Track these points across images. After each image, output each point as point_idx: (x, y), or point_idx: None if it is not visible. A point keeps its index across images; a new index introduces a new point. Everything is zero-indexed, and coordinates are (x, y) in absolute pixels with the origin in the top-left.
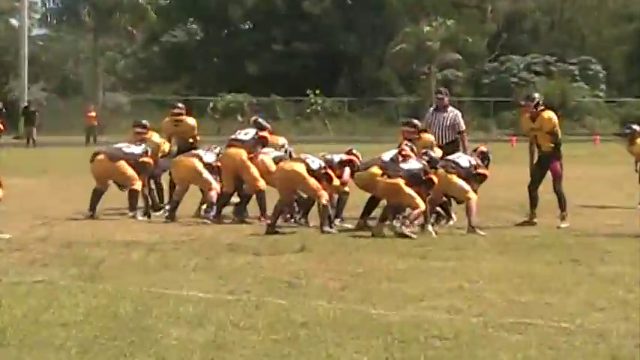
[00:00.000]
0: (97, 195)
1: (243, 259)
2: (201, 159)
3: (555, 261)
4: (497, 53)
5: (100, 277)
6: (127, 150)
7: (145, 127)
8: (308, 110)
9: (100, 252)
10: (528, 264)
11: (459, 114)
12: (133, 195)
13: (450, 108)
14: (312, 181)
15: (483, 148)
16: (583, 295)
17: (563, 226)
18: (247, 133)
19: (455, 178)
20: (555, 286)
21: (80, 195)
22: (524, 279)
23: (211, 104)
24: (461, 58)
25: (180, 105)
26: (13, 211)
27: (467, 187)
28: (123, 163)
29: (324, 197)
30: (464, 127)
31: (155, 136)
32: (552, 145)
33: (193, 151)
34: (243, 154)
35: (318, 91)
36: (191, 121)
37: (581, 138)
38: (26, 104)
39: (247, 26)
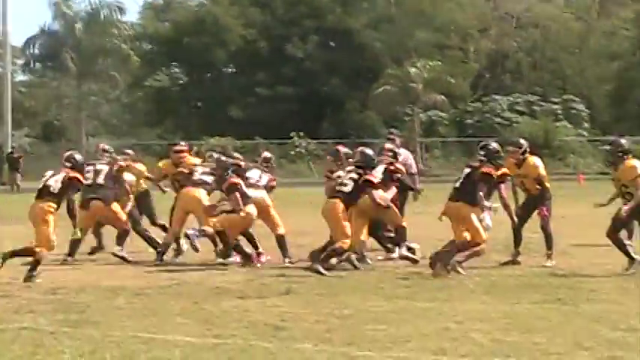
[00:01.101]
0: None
1: (229, 303)
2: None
3: (541, 300)
4: (481, 93)
5: (86, 322)
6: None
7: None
8: (292, 153)
9: (86, 297)
10: (514, 304)
11: (411, 155)
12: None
13: (402, 150)
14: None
15: None
16: (569, 334)
17: (548, 264)
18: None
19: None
20: (541, 326)
21: (65, 240)
22: (510, 319)
23: (195, 148)
24: (444, 99)
25: (182, 143)
26: None
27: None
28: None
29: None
30: (415, 170)
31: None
32: (539, 188)
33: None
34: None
35: (302, 134)
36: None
37: (565, 177)
38: (10, 150)
39: (231, 70)
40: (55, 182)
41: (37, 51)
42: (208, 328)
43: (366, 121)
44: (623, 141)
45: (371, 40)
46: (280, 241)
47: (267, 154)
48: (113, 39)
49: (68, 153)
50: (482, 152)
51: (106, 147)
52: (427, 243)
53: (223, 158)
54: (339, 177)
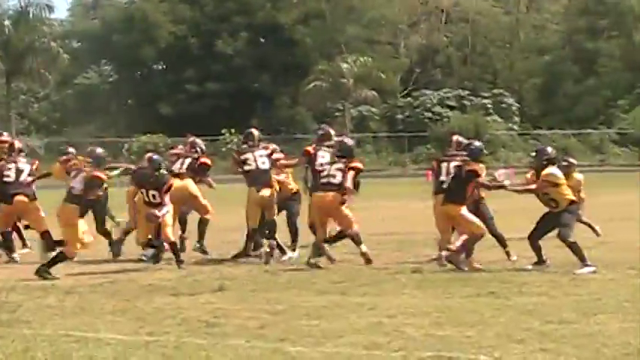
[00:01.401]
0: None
1: (161, 300)
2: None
3: (473, 294)
4: (411, 88)
5: (17, 321)
6: None
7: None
8: (223, 149)
9: (17, 296)
10: (446, 298)
11: None
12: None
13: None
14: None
15: None
16: (501, 327)
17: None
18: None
19: None
20: (473, 319)
21: None
22: (442, 313)
23: (126, 145)
24: (375, 94)
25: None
26: None
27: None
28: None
29: None
30: None
31: None
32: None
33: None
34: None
35: (233, 130)
36: None
37: (496, 171)
38: None
39: (160, 67)
40: (77, 184)
41: None
42: (141, 326)
43: (296, 117)
44: (549, 149)
45: (301, 35)
46: (201, 225)
47: (193, 138)
48: (42, 37)
49: (90, 149)
50: (466, 151)
51: (21, 146)
52: (366, 239)
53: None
54: (321, 170)
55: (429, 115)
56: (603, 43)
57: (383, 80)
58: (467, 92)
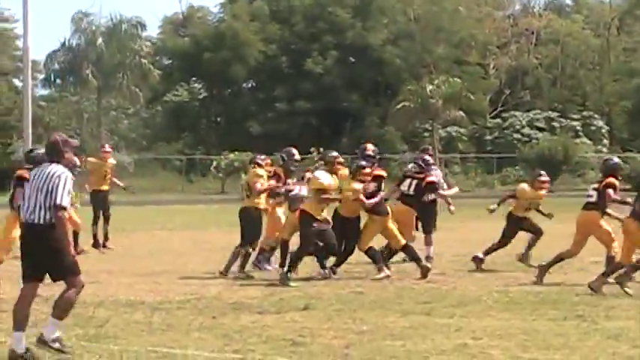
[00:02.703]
0: None
1: (247, 318)
2: None
3: (560, 317)
4: (500, 109)
5: (104, 337)
6: None
7: None
8: (312, 168)
9: (104, 312)
10: (533, 320)
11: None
12: None
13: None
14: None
15: None
16: (587, 351)
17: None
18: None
19: None
20: (560, 343)
21: (85, 255)
22: (528, 336)
23: (214, 163)
24: (463, 115)
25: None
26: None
27: None
28: None
29: None
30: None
31: None
32: None
33: None
34: None
35: (322, 149)
36: None
37: (584, 193)
38: (29, 166)
39: (250, 85)
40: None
41: (57, 66)
42: (227, 343)
43: (385, 137)
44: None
45: (390, 55)
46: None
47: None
48: (133, 54)
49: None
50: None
51: None
52: (452, 260)
53: None
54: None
55: (518, 136)
56: None
57: (472, 101)
58: (556, 114)
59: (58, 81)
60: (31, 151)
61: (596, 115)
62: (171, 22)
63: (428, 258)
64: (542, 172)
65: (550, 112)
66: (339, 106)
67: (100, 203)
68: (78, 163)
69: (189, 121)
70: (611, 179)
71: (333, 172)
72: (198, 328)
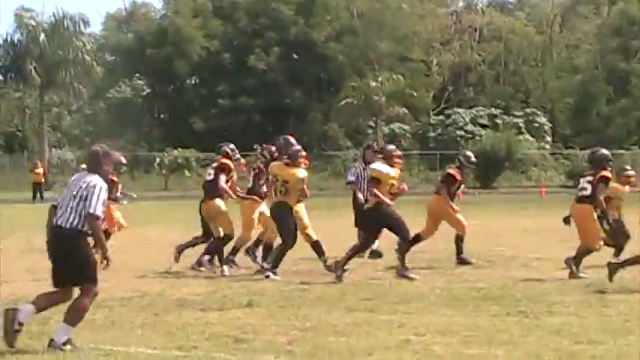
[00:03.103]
0: None
1: (190, 315)
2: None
3: (502, 313)
4: (443, 106)
5: (47, 334)
6: None
7: None
8: (255, 164)
9: (46, 310)
10: (475, 316)
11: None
12: None
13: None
14: None
15: None
16: (530, 347)
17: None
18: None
19: None
20: (502, 339)
21: (26, 252)
22: (471, 331)
23: (158, 160)
24: (407, 111)
25: None
26: None
27: None
28: None
29: None
30: None
31: None
32: None
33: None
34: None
35: (264, 145)
36: None
37: (527, 190)
38: None
39: (193, 81)
40: None
41: None
42: (170, 340)
43: (328, 133)
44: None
45: (333, 52)
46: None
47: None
48: (76, 50)
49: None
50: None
51: None
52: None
53: None
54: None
55: (461, 133)
56: (636, 63)
57: (415, 98)
58: (499, 111)
59: (0, 77)
60: None
61: (538, 112)
62: (115, 18)
63: (374, 252)
64: (627, 166)
65: (493, 108)
66: (282, 102)
67: None
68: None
69: (133, 118)
70: (605, 172)
71: (391, 165)
72: (141, 325)
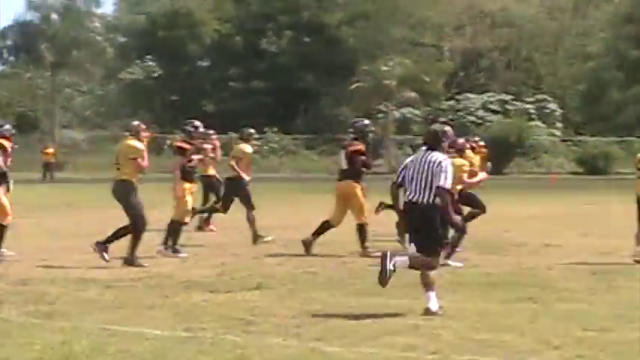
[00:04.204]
0: None
1: (199, 297)
2: None
3: (511, 299)
4: (455, 92)
5: (56, 314)
6: None
7: None
8: (265, 148)
9: (56, 289)
10: (484, 302)
11: None
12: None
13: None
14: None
15: None
16: (538, 333)
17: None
18: None
19: None
20: (510, 324)
21: (37, 233)
22: (479, 317)
23: (168, 141)
24: (418, 96)
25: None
26: None
27: None
28: None
29: None
30: None
31: None
32: None
33: None
34: None
35: (275, 129)
36: None
37: (538, 176)
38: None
39: (205, 64)
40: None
41: (10, 42)
42: (178, 322)
43: (339, 118)
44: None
45: (346, 36)
46: None
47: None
48: (88, 31)
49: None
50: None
51: None
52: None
53: None
54: None
55: (472, 119)
56: None
57: (426, 83)
58: (510, 97)
59: (11, 58)
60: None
61: (549, 99)
62: (127, 0)
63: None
64: None
65: (504, 94)
66: (293, 85)
67: None
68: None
69: (144, 99)
70: None
71: (477, 154)
72: (150, 306)
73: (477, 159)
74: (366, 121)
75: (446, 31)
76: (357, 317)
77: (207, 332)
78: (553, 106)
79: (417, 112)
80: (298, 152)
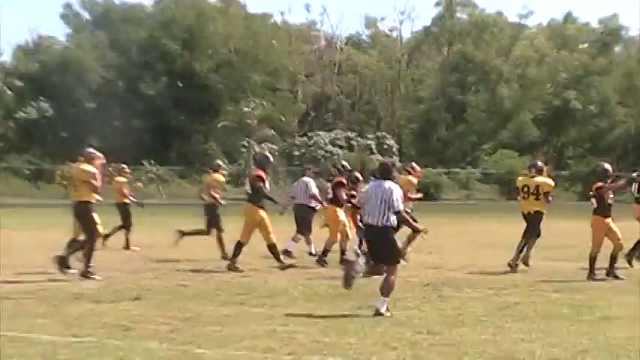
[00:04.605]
0: None
1: (86, 307)
2: None
3: (355, 307)
4: (307, 129)
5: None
6: None
7: None
8: (143, 178)
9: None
10: (332, 309)
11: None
12: None
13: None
14: None
15: None
16: (378, 336)
17: None
18: None
19: None
20: (355, 329)
21: None
22: (329, 322)
23: (59, 171)
24: (275, 133)
25: None
26: None
27: None
28: None
29: None
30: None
31: None
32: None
33: None
34: None
35: (152, 161)
36: None
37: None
38: None
39: (92, 105)
40: None
41: None
42: (67, 328)
43: (208, 152)
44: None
45: (213, 81)
46: None
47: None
48: None
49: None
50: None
51: None
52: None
53: None
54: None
55: (322, 152)
56: (471, 95)
57: (283, 122)
58: (354, 134)
59: None
60: None
61: (388, 136)
62: (22, 49)
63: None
64: None
65: (349, 132)
66: (168, 124)
67: None
68: None
69: (38, 136)
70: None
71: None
72: (43, 315)
73: (414, 180)
74: (267, 153)
75: (299, 78)
76: (222, 323)
77: (92, 337)
78: (391, 142)
79: (274, 146)
80: (172, 181)
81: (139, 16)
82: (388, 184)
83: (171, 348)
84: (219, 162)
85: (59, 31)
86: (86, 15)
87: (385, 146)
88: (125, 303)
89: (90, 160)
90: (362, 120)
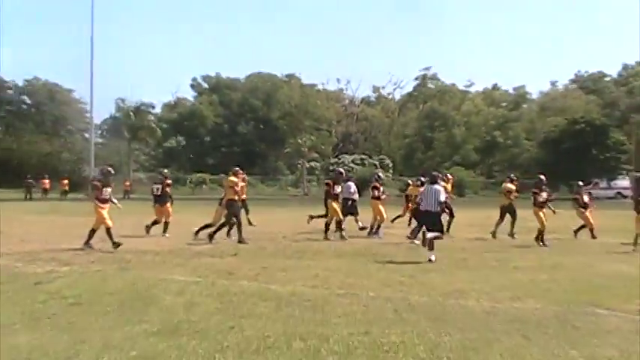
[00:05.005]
0: None
1: (205, 260)
2: None
3: (364, 260)
4: (337, 154)
5: None
6: None
7: None
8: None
9: None
10: (352, 263)
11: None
12: None
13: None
14: None
15: None
16: (380, 278)
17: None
18: None
19: None
20: (362, 273)
21: None
22: (350, 270)
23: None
24: (318, 156)
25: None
26: None
27: None
28: None
29: None
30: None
31: None
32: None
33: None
34: None
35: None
36: None
37: None
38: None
39: (208, 139)
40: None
41: None
42: (193, 273)
43: (277, 167)
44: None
45: (281, 124)
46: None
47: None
48: None
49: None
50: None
51: None
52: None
53: None
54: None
55: (346, 168)
56: (437, 134)
57: (323, 149)
58: (366, 156)
59: None
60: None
61: (386, 157)
62: (168, 105)
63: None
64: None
65: (363, 155)
66: (254, 150)
67: None
68: None
69: (175, 157)
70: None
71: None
72: (178, 265)
73: (448, 185)
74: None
75: (333, 123)
76: (286, 270)
77: (209, 278)
78: (388, 161)
79: (318, 164)
80: (256, 184)
81: (236, 85)
82: (436, 186)
83: (256, 285)
84: (237, 168)
85: (189, 94)
86: (204, 84)
87: (384, 164)
88: (228, 258)
89: (235, 174)
90: (370, 148)
